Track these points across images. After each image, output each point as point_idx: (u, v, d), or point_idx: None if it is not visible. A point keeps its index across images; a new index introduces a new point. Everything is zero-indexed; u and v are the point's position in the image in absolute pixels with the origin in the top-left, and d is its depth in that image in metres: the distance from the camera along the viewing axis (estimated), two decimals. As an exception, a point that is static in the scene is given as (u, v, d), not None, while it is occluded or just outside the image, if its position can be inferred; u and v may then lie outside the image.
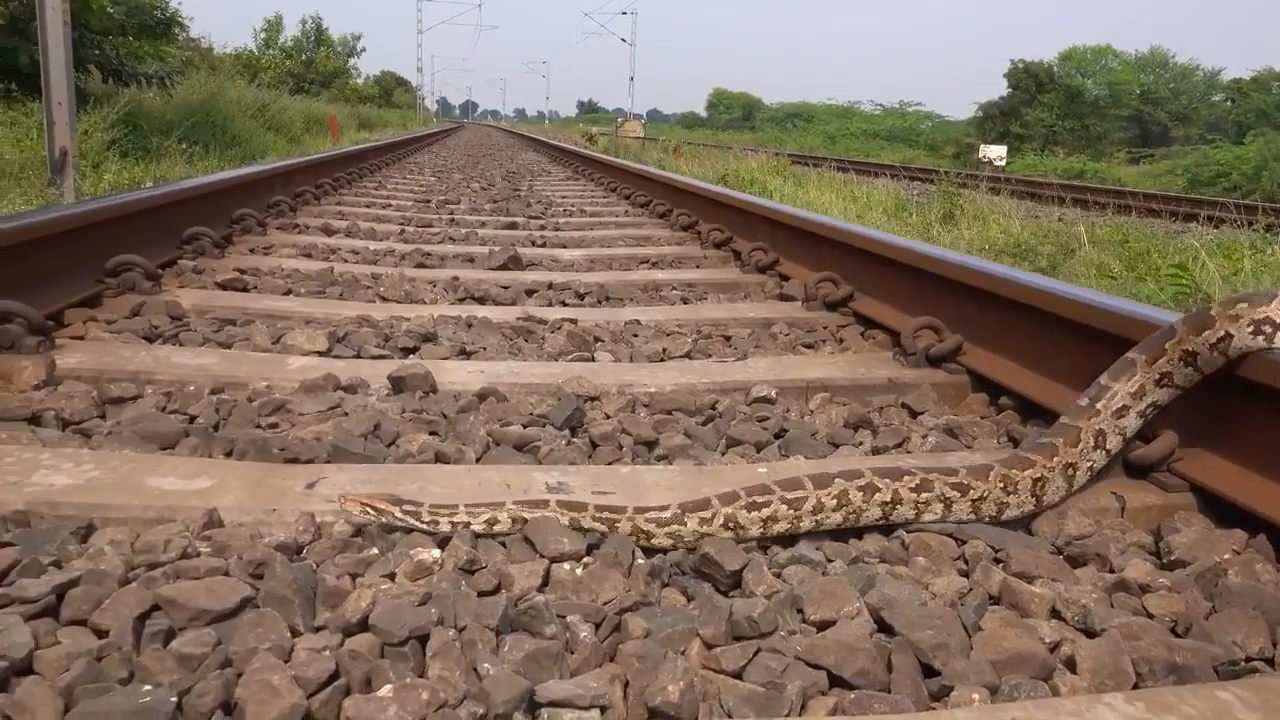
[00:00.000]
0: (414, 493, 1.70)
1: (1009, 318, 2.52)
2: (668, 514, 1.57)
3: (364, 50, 57.96)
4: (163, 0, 16.45)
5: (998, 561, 1.56)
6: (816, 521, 1.62)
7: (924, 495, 1.65)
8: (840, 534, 1.66)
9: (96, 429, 2.01)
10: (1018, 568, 1.51)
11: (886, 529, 1.68)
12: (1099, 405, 1.80)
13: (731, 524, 1.57)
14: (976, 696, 1.19)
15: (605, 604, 1.38)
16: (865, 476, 1.64)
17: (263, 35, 48.88)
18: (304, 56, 49.87)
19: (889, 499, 1.64)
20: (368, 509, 1.55)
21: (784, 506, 1.59)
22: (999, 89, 58.79)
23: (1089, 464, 1.78)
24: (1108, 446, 1.80)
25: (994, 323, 2.60)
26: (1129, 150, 43.67)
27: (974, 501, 1.67)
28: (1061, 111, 55.56)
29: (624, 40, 62.28)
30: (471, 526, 1.56)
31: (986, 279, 2.61)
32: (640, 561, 1.50)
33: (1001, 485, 1.68)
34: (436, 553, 1.46)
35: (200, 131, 15.03)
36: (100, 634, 1.25)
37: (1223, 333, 1.77)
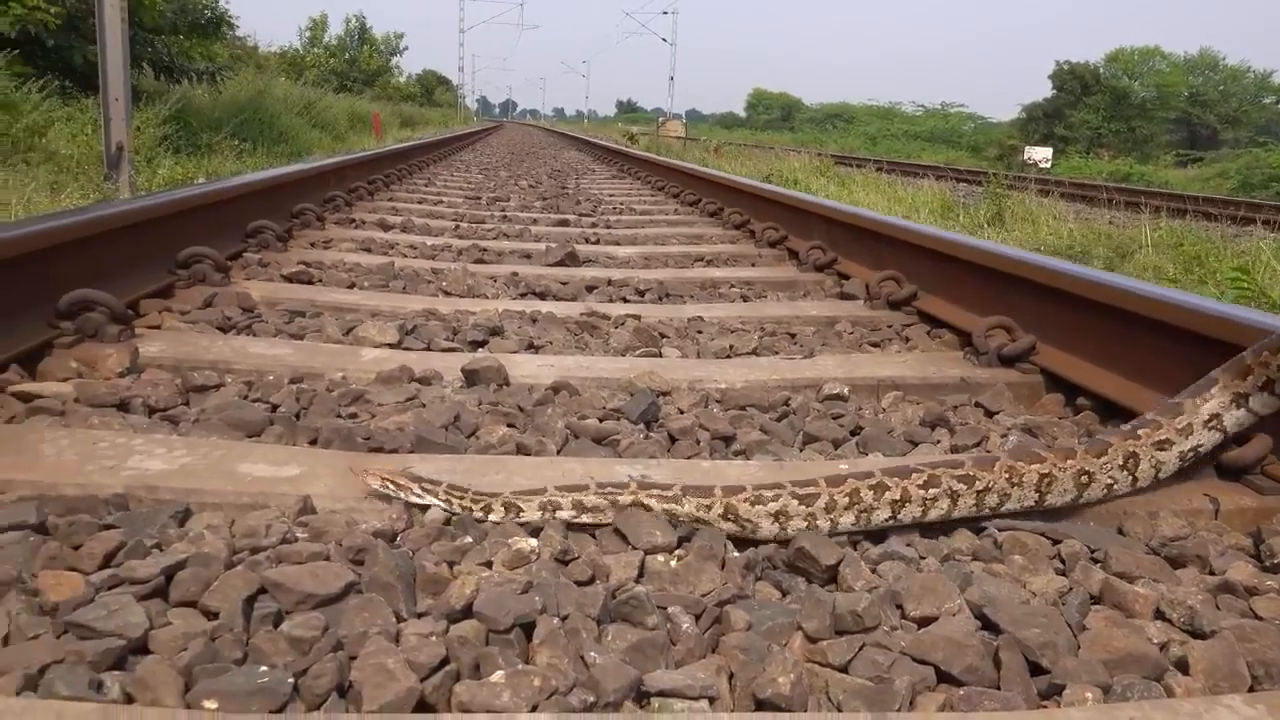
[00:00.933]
0: (499, 484, 1.70)
1: (1086, 317, 2.49)
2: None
3: (406, 49, 58.51)
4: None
5: (1095, 561, 1.54)
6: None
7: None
8: (929, 530, 1.65)
9: (183, 416, 2.03)
10: (1118, 568, 1.49)
11: (975, 526, 1.66)
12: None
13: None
14: (1090, 695, 1.17)
15: (704, 596, 1.38)
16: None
17: (308, 34, 49.45)
18: (347, 55, 50.36)
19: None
20: (387, 483, 1.59)
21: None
22: (1043, 90, 57.98)
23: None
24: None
25: (1069, 322, 2.56)
26: (1177, 153, 42.96)
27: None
28: (1107, 114, 54.79)
29: (664, 40, 62.33)
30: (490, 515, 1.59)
31: (1064, 278, 2.58)
32: (735, 555, 1.49)
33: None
34: (534, 542, 1.46)
35: (248, 128, 15.22)
36: (210, 615, 1.27)
37: None
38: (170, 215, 3.32)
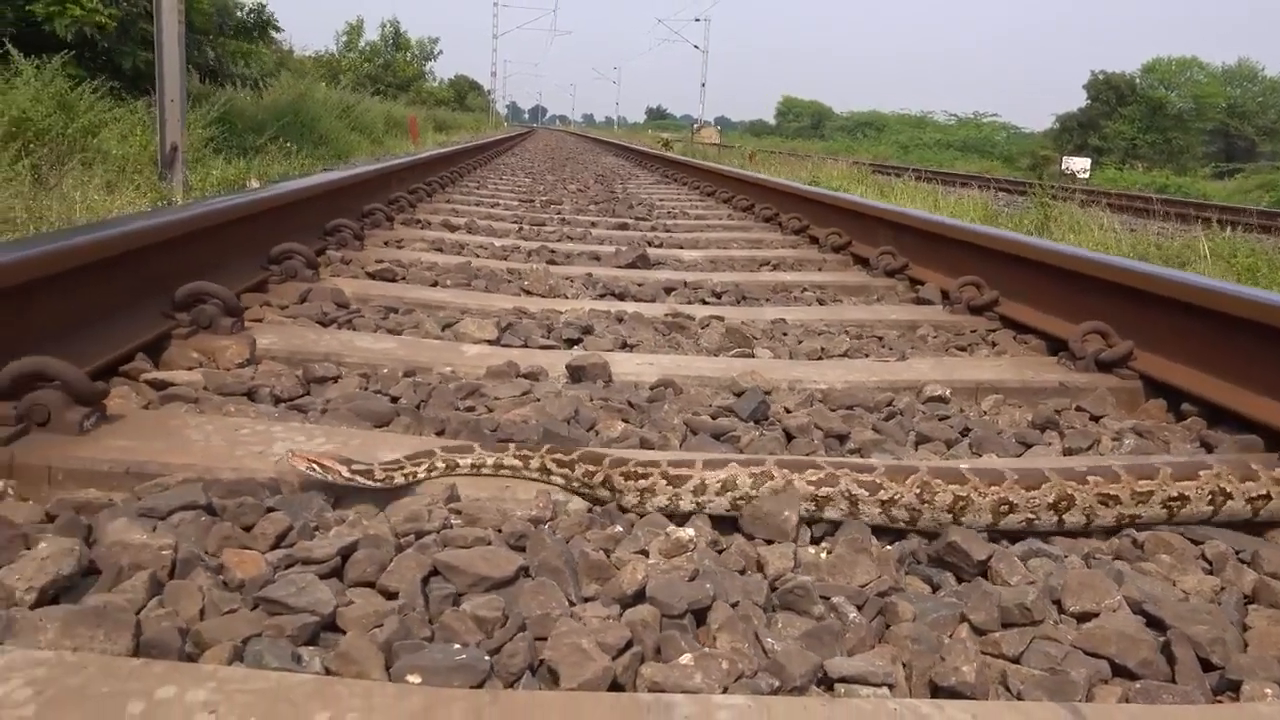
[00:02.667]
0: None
1: (1186, 322, 2.49)
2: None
3: (441, 54, 58.85)
4: (258, 2, 16.92)
5: (1243, 562, 1.54)
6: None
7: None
8: (1067, 531, 1.66)
9: (309, 405, 2.08)
10: (1270, 568, 1.49)
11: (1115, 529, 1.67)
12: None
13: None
14: (1269, 691, 1.18)
15: (862, 587, 1.39)
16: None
17: (343, 38, 49.92)
18: (382, 60, 50.78)
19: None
20: (314, 465, 1.55)
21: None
22: (1077, 101, 57.56)
23: None
24: None
25: (1168, 327, 2.56)
26: (1215, 165, 42.51)
27: None
28: (1143, 124, 54.28)
29: (696, 47, 62.41)
30: (419, 475, 1.63)
31: (1163, 283, 2.58)
32: (889, 548, 1.51)
33: None
34: (690, 531, 1.49)
35: (290, 131, 15.38)
36: (389, 595, 1.30)
37: None
38: (262, 212, 3.38)
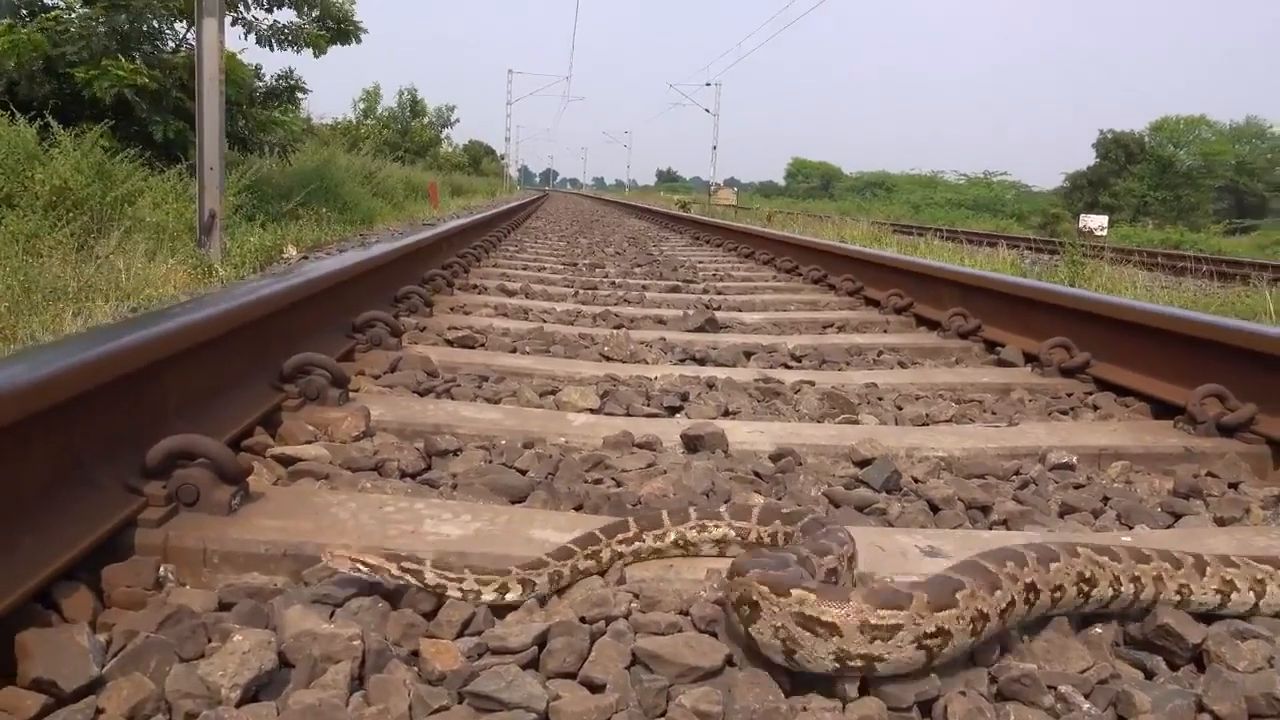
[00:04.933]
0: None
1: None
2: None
3: (457, 121, 59.82)
4: (287, 69, 17.20)
5: None
6: None
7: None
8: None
9: (438, 480, 2.02)
10: None
11: None
12: None
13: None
14: None
15: (1082, 673, 1.32)
16: None
17: (361, 105, 50.75)
18: (399, 125, 51.56)
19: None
20: (358, 565, 1.40)
21: None
22: (1086, 159, 57.98)
23: None
24: None
25: (1293, 391, 2.50)
26: (1229, 221, 42.63)
27: None
28: (1153, 182, 54.56)
29: (707, 110, 63.24)
30: (483, 596, 1.42)
31: (1287, 345, 2.52)
32: (1098, 630, 1.44)
33: None
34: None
35: (315, 197, 15.54)
36: (593, 688, 1.24)
37: None
38: (345, 282, 3.36)
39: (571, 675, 1.26)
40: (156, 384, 1.88)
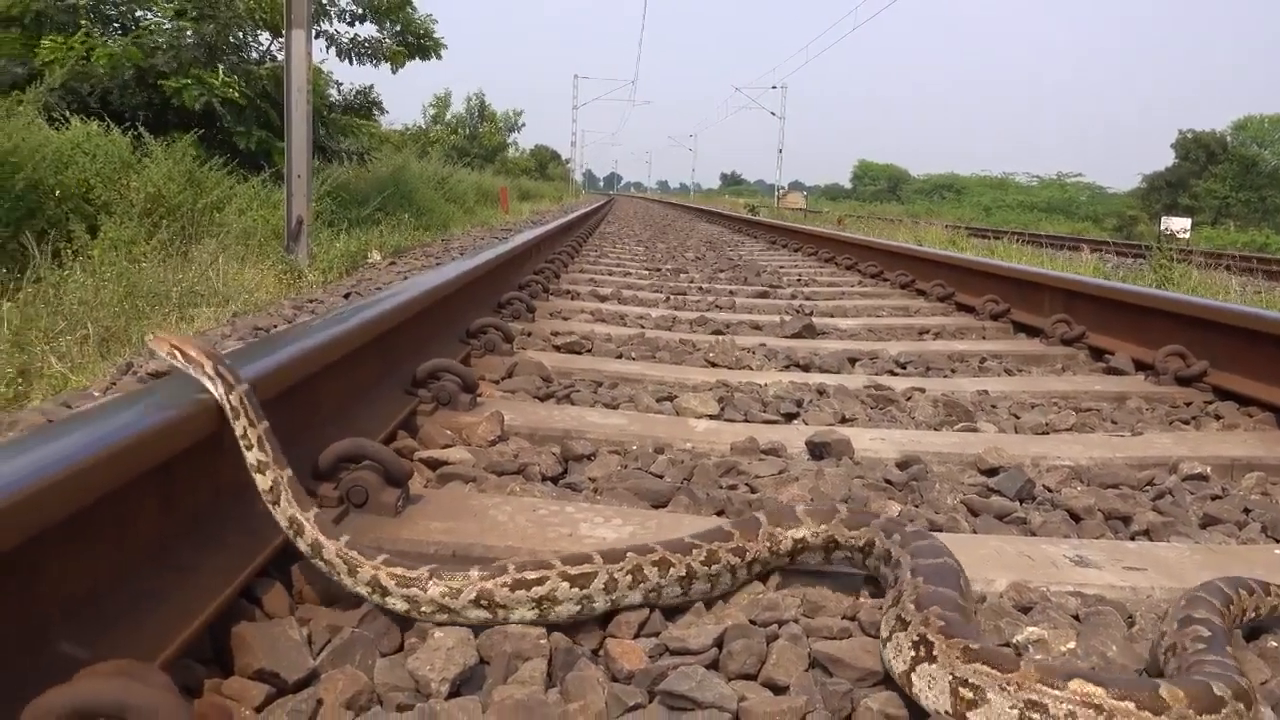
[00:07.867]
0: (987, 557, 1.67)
1: None
2: None
3: (524, 125, 60.51)
4: (367, 85, 17.55)
5: None
6: None
7: None
8: None
9: (578, 484, 2.07)
10: None
11: None
12: None
13: None
14: None
15: (1262, 685, 1.31)
16: None
17: (431, 111, 51.56)
18: (468, 131, 52.27)
19: None
20: (175, 352, 1.42)
21: None
22: (1164, 159, 56.50)
23: None
24: None
25: None
26: (1318, 223, 41.21)
27: None
28: (1235, 183, 52.96)
29: (773, 113, 63.00)
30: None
31: None
32: (1271, 643, 1.43)
33: None
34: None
35: (390, 202, 15.83)
36: (776, 689, 1.27)
37: None
38: (459, 290, 3.44)
39: (752, 677, 1.29)
40: (311, 393, 1.96)
